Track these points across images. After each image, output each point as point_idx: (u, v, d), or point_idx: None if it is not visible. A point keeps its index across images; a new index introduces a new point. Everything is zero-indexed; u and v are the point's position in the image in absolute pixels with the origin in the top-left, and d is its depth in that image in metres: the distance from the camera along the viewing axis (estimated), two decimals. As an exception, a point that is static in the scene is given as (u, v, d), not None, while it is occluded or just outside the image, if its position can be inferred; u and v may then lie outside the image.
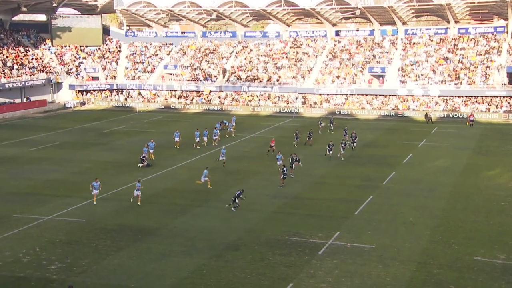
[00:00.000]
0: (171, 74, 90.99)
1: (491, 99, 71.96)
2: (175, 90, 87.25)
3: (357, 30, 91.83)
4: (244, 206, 33.98)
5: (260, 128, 64.83)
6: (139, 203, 34.20)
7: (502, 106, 70.56)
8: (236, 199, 33.33)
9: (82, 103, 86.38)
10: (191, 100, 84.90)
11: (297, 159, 41.60)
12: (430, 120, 68.17)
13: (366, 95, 78.64)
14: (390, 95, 77.27)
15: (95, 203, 34.30)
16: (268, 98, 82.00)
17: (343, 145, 47.36)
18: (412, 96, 75.84)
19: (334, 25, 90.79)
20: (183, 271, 24.81)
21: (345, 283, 23.64)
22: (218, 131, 55.42)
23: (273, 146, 48.37)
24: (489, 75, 74.06)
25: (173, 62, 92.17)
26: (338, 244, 28.24)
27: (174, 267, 25.31)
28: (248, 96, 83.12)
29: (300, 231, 29.86)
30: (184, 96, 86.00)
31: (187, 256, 26.65)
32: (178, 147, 52.19)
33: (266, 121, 70.79)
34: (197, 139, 52.54)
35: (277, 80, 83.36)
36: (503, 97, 71.55)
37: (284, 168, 38.90)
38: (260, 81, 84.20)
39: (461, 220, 31.64)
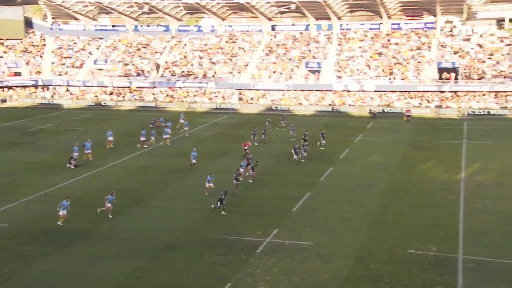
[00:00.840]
0: (101, 69, 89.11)
1: (423, 94, 74.48)
2: (106, 86, 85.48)
3: (293, 25, 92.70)
4: (182, 205, 33.86)
5: (196, 125, 64.45)
6: (110, 216, 31.94)
7: (433, 101, 73.20)
8: (221, 202, 32.77)
9: (4, 100, 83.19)
10: (123, 96, 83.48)
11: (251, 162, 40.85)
12: (374, 115, 70.03)
13: (303, 90, 79.64)
14: (326, 90, 78.59)
15: (60, 223, 30.55)
16: (204, 94, 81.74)
17: (305, 147, 47.05)
18: (348, 91, 77.43)
19: (269, 19, 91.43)
20: (117, 275, 24.44)
21: (283, 281, 23.95)
22: (169, 130, 54.68)
23: (247, 150, 47.02)
24: (421, 70, 76.70)
25: (103, 57, 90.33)
26: (276, 242, 28.56)
27: (107, 271, 24.90)
28: (183, 92, 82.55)
29: (239, 230, 30.02)
30: (116, 92, 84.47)
31: (121, 259, 26.26)
32: (112, 146, 51.18)
33: (202, 118, 70.51)
34: (143, 138, 51.84)
35: (213, 76, 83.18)
36: (434, 92, 74.20)
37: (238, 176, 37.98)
38: (196, 76, 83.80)
39: (396, 215, 32.62)
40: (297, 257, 26.56)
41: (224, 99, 79.98)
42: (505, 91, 71.11)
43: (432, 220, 31.49)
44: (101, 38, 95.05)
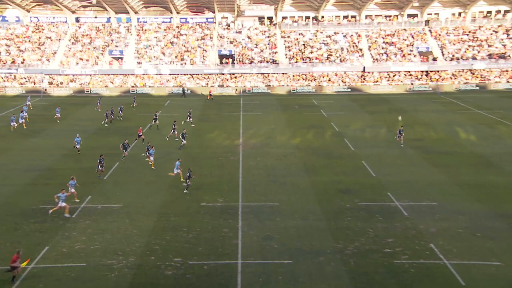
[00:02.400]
0: None
1: (208, 76, 76.49)
2: None
3: (96, 18, 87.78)
4: (-3, 183, 30.63)
5: (8, 108, 58.33)
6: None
7: (216, 81, 75.60)
8: (188, 180, 29.79)
9: None
10: None
11: (148, 148, 36.23)
12: (183, 94, 69.76)
13: (108, 74, 76.45)
14: (129, 74, 76.45)
15: (50, 212, 26.03)
16: (14, 79, 73.88)
17: (174, 127, 43.44)
18: (148, 75, 76.26)
19: (73, 12, 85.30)
20: None
21: (97, 239, 23.28)
22: (25, 114, 49.16)
23: (142, 135, 41.75)
24: (206, 57, 78.51)
25: None
26: (90, 206, 27.54)
27: None
28: (-8, 78, 73.69)
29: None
30: None
31: None
32: None
33: (14, 101, 63.87)
34: (13, 124, 46.43)
35: (22, 63, 75.42)
36: (217, 74, 76.62)
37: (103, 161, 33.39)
38: (4, 63, 75.20)
39: (192, 175, 33.24)
40: (109, 218, 25.94)
41: (35, 84, 73.26)
42: (268, 73, 76.21)
43: (219, 177, 32.76)
44: None
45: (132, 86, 74.29)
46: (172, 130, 43.52)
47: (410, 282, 19.28)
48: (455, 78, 74.95)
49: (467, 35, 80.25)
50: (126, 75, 76.49)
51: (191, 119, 49.89)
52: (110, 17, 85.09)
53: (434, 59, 76.65)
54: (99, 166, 32.80)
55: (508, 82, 73.67)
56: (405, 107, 59.13)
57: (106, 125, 49.61)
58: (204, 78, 76.11)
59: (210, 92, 68.91)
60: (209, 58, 78.36)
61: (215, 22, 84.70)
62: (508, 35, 79.67)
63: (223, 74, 76.28)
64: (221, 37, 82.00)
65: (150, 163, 35.03)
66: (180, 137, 40.90)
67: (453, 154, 37.17)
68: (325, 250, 22.08)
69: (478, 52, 76.85)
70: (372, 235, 23.61)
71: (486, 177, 32.16)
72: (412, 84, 74.19)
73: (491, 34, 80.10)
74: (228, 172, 33.99)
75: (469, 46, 78.11)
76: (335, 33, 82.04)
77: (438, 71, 75.94)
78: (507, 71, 75.31)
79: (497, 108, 57.13)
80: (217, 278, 19.84)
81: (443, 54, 77.34)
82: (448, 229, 24.10)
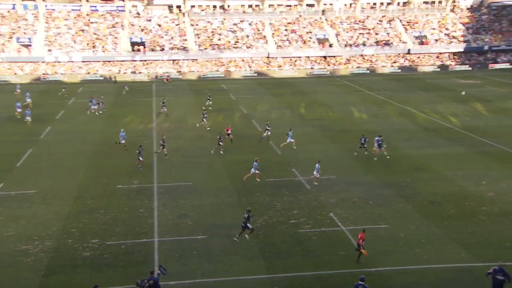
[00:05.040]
0: None
1: (121, 63, 73.43)
2: None
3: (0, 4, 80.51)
4: None
5: None
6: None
7: (129, 68, 72.80)
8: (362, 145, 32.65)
9: None
10: None
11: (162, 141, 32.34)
12: (115, 81, 66.91)
13: (17, 62, 70.70)
14: (39, 62, 71.25)
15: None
16: None
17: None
18: (59, 62, 71.58)
19: (-25, -3, 77.60)
20: None
21: (11, 226, 21.76)
22: None
23: (230, 135, 35.78)
24: (117, 44, 75.17)
25: None
26: (2, 194, 25.65)
27: None
28: None
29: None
30: None
31: None
32: None
33: None
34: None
35: None
36: (129, 61, 73.66)
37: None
38: None
39: (106, 159, 32.04)
40: (23, 204, 24.32)
41: None
42: (179, 59, 74.64)
43: (134, 160, 31.51)
44: None
45: (43, 74, 69.46)
46: (203, 119, 40.73)
47: (312, 249, 20.05)
48: (349, 63, 78.33)
49: (358, 24, 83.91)
50: (36, 62, 71.27)
51: (210, 102, 49.67)
52: (15, 4, 78.28)
53: (331, 46, 79.42)
54: (139, 157, 29.70)
55: (392, 66, 78.34)
56: (306, 90, 60.87)
57: (100, 112, 46.55)
58: (117, 65, 72.96)
59: (168, 77, 68.18)
60: (120, 45, 75.09)
61: (125, 11, 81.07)
62: (390, 24, 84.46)
63: (135, 61, 73.57)
64: (132, 25, 78.77)
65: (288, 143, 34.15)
66: (266, 127, 36.40)
67: (349, 132, 38.90)
68: (237, 224, 22.28)
69: (367, 39, 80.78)
70: (279, 208, 24.17)
71: (376, 150, 34.07)
72: (312, 68, 76.44)
73: (377, 23, 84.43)
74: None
75: (359, 34, 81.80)
76: (241, 21, 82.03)
77: (334, 57, 78.83)
78: (390, 56, 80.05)
79: (384, 89, 60.62)
80: (134, 256, 19.37)
81: (338, 41, 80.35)
82: (345, 199, 25.30)
